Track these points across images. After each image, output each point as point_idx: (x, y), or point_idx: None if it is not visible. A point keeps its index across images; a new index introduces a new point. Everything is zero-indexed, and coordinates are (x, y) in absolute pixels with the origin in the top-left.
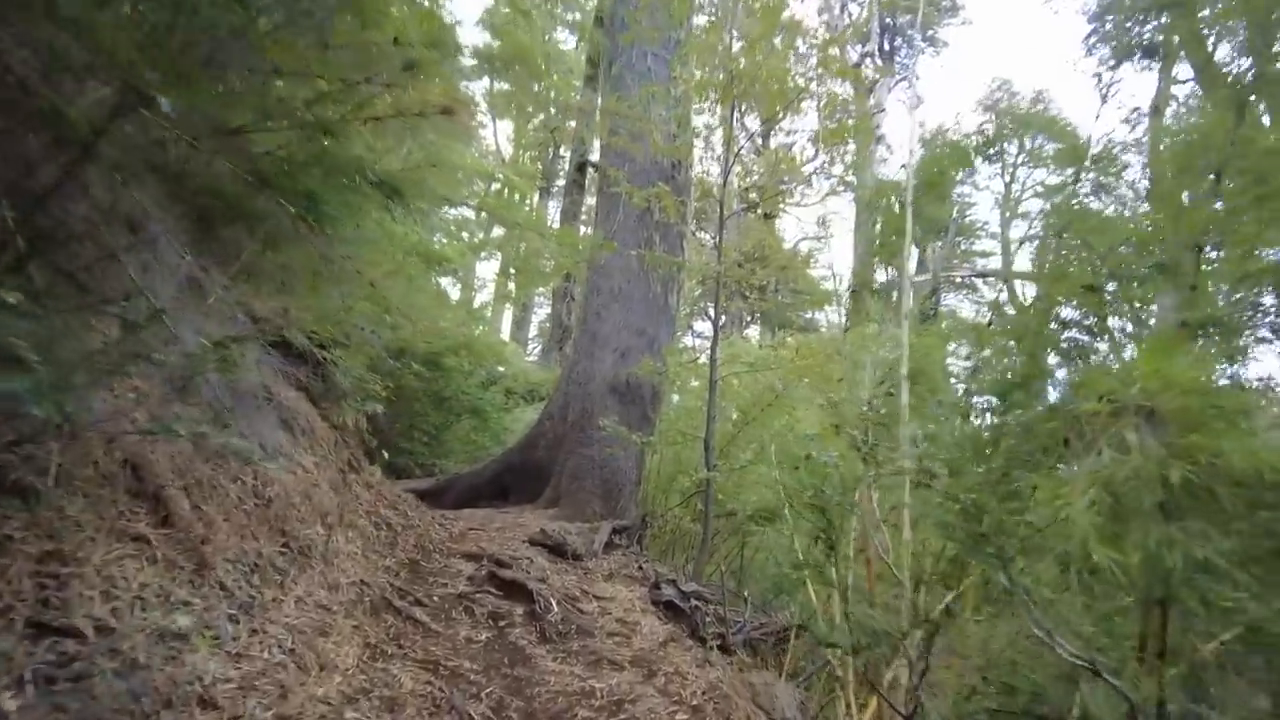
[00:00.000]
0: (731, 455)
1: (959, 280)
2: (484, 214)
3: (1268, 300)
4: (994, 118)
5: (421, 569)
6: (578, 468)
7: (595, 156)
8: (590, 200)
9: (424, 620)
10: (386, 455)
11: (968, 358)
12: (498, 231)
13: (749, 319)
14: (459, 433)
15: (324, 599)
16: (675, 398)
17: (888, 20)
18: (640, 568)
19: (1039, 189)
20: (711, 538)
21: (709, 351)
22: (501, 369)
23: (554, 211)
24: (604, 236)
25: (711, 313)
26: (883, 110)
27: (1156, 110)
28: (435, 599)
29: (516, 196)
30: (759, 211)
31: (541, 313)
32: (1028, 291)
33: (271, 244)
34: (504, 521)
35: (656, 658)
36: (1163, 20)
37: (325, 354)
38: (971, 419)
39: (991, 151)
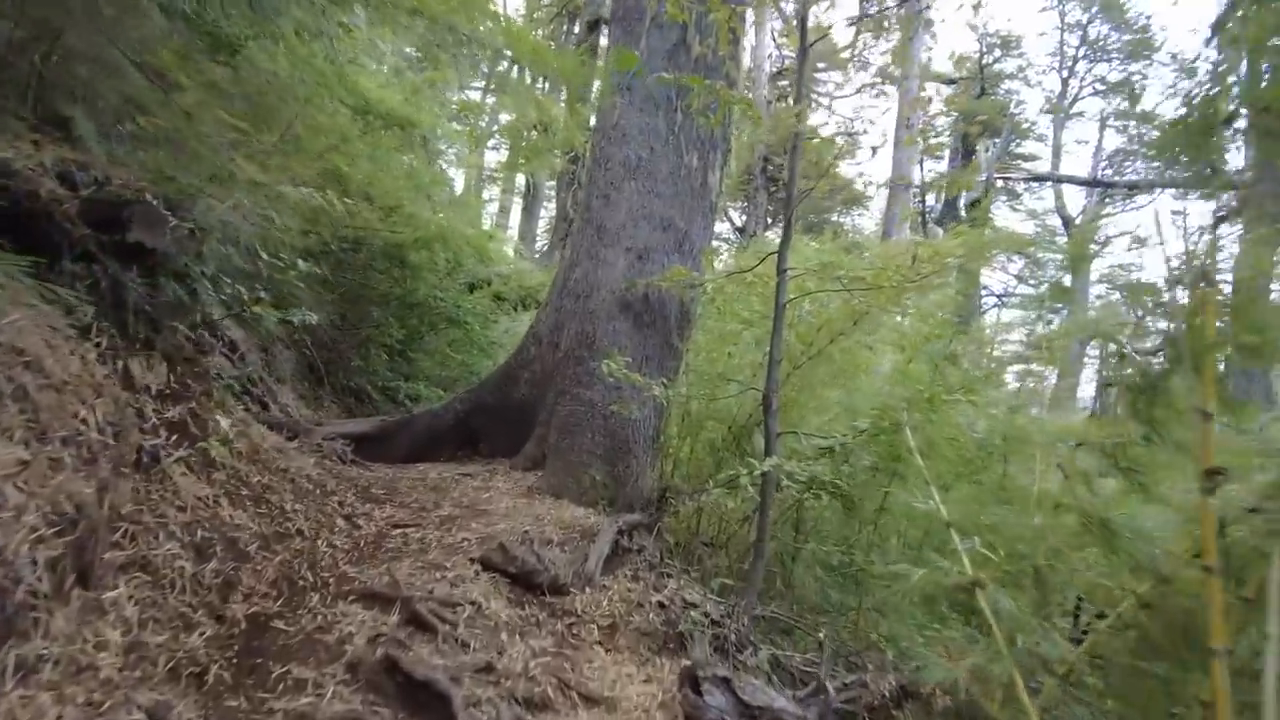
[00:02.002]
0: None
1: (1006, 184)
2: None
3: None
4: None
5: (268, 641)
6: (572, 416)
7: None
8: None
9: None
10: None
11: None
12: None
13: (770, 220)
14: (433, 348)
15: None
16: None
17: None
18: (663, 605)
19: (1099, 85)
20: (768, 553)
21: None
22: (495, 269)
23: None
24: (622, 81)
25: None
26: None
27: None
28: None
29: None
30: (788, 100)
31: (554, 207)
32: (1078, 199)
33: None
34: (459, 500)
35: None
36: None
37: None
38: None
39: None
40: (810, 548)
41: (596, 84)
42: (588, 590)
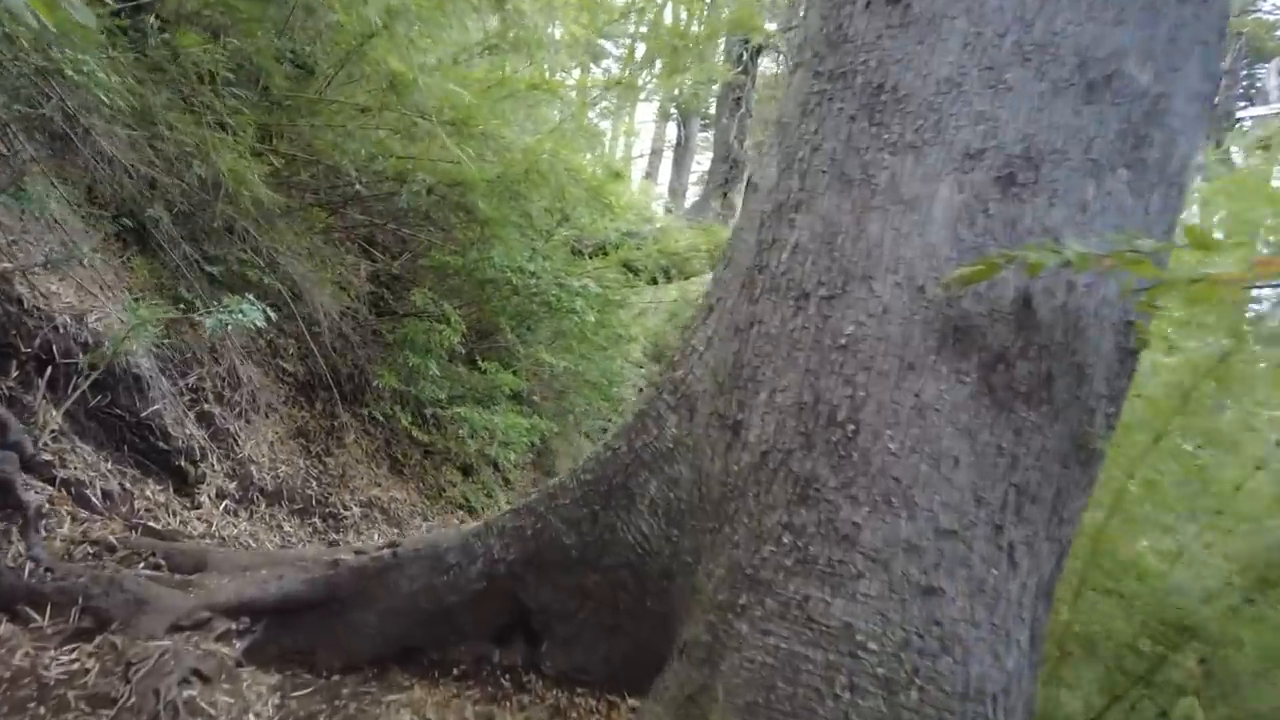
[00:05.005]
0: None
1: None
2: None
3: None
4: None
5: None
6: (783, 667)
7: None
8: None
9: None
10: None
11: None
12: None
13: None
14: (518, 350)
15: None
16: None
17: None
18: None
19: None
20: None
21: None
22: (624, 225)
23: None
24: None
25: None
26: None
27: None
28: None
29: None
30: None
31: (706, 159)
32: None
33: None
34: None
35: None
36: None
37: None
38: None
39: None
40: None
41: None
42: None
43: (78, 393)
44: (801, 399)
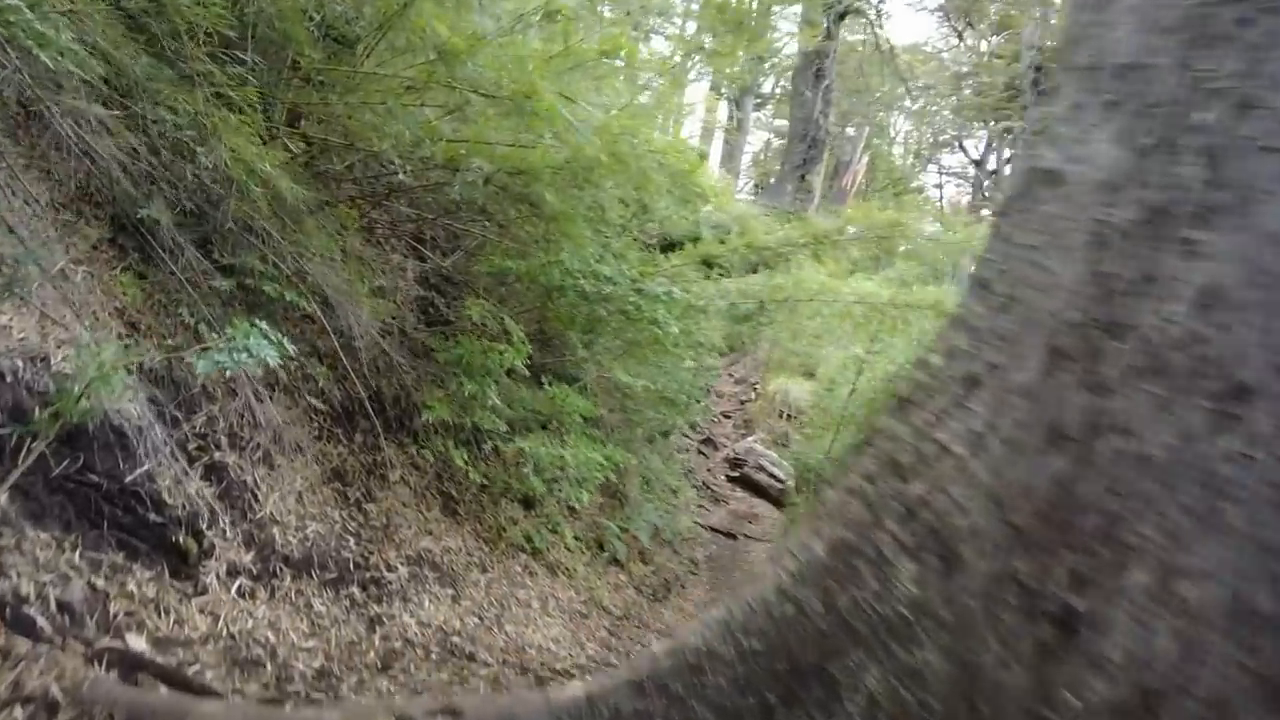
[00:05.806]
0: None
1: None
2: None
3: None
4: None
5: None
6: None
7: None
8: None
9: None
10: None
11: None
12: None
13: None
14: (588, 361)
15: None
16: None
17: None
18: None
19: None
20: None
21: None
22: (706, 218)
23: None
24: None
25: None
26: None
27: None
28: None
29: None
30: None
31: (758, 140)
32: None
33: None
34: None
35: None
36: None
37: None
38: None
39: None
40: None
41: None
42: None
43: (30, 461)
44: (1243, 602)
